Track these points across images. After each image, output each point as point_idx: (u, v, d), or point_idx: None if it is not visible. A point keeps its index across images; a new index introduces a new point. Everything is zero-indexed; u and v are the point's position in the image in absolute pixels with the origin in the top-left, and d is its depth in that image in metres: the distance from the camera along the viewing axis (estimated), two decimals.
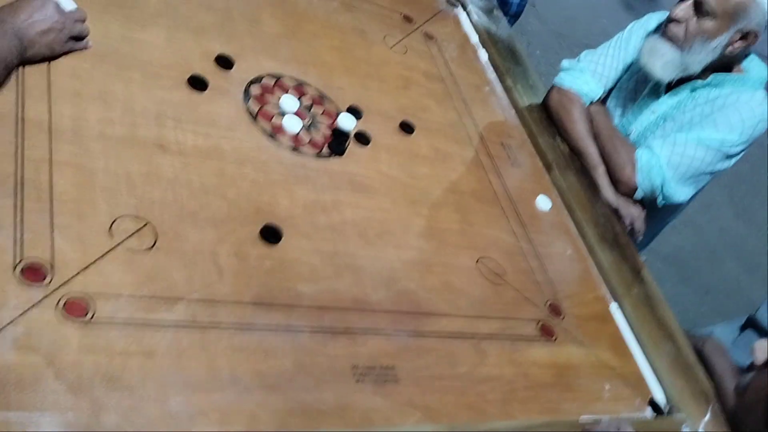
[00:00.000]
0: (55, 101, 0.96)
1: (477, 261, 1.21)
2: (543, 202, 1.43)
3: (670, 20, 1.45)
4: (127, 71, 1.08)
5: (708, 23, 1.40)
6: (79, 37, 1.04)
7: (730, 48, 1.43)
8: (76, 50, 1.03)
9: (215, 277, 0.92)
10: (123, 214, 0.90)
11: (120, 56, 1.09)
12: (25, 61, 0.96)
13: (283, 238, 1.02)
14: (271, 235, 1.01)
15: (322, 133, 1.23)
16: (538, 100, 1.71)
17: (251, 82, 1.22)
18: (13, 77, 0.94)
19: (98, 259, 0.84)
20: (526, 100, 1.67)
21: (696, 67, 1.46)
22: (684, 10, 1.42)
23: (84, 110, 0.98)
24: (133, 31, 1.14)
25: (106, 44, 1.09)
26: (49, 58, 0.99)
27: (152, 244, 0.90)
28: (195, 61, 1.18)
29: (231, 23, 1.31)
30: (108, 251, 0.86)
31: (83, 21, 1.05)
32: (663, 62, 1.46)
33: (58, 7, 1.00)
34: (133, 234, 0.89)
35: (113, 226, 0.89)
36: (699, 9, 1.41)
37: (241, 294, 0.92)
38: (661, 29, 1.48)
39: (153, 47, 1.14)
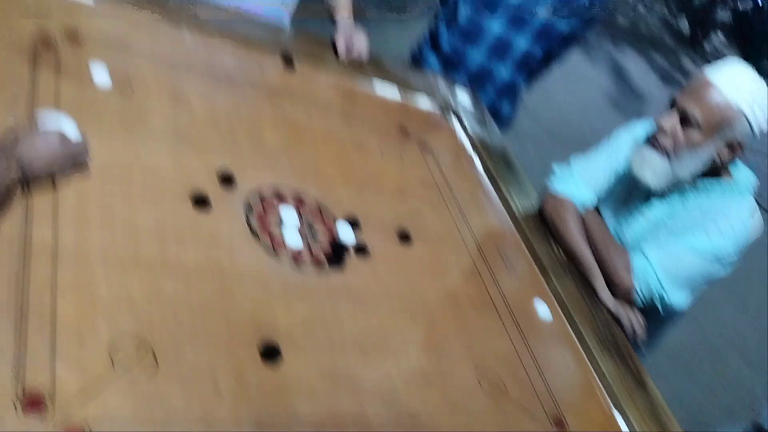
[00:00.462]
0: (61, 224, 0.99)
1: (476, 372, 1.21)
2: (542, 310, 1.44)
3: (657, 130, 1.50)
4: (130, 192, 1.11)
5: (694, 134, 1.45)
6: (80, 163, 1.07)
7: (717, 158, 1.48)
8: (76, 175, 1.06)
9: (214, 400, 0.91)
10: (124, 338, 0.91)
11: (124, 178, 1.12)
12: (27, 188, 0.98)
13: (282, 356, 1.02)
14: (270, 353, 1.02)
15: (321, 246, 1.25)
16: (533, 206, 1.74)
17: (252, 198, 1.25)
18: (19, 201, 0.97)
19: (98, 387, 0.84)
20: (520, 206, 1.71)
21: (686, 176, 1.50)
22: (670, 121, 1.47)
23: (88, 232, 1.00)
24: (138, 151, 1.18)
25: (111, 165, 1.12)
26: (51, 183, 1.02)
27: (152, 368, 0.90)
28: (198, 178, 1.21)
29: (233, 139, 1.35)
30: (108, 378, 0.85)
31: (85, 150, 1.08)
32: (653, 171, 1.50)
33: (62, 137, 1.03)
34: (133, 358, 0.89)
35: (114, 351, 0.89)
36: (685, 120, 1.46)
37: (240, 418, 0.91)
38: (650, 138, 1.53)
39: (157, 166, 1.18)
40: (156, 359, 0.91)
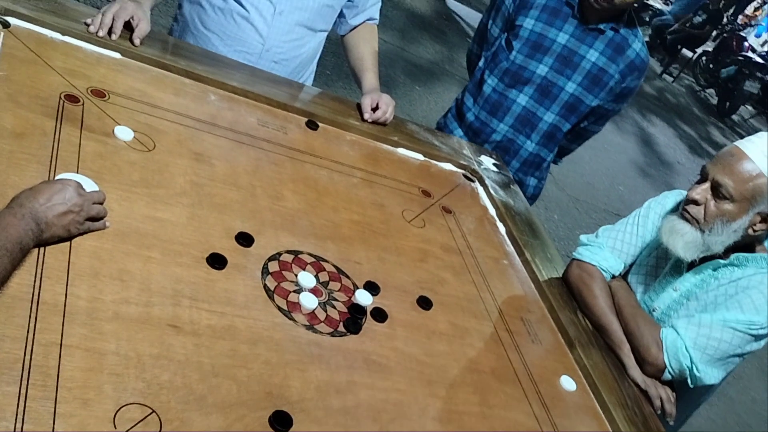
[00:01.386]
0: (73, 282, 0.97)
1: None
2: (567, 382, 1.38)
3: (688, 201, 1.46)
4: (146, 250, 1.09)
5: (727, 206, 1.41)
6: (96, 218, 1.06)
7: (751, 230, 1.43)
8: (92, 231, 1.05)
9: None
10: (129, 401, 0.88)
11: (141, 235, 1.11)
12: (42, 242, 0.97)
13: (293, 425, 0.98)
14: (280, 421, 0.97)
15: (338, 310, 1.22)
16: (558, 273, 1.70)
17: (270, 259, 1.23)
18: (33, 259, 0.96)
19: None
20: (545, 273, 1.66)
21: (718, 248, 1.46)
22: (701, 192, 1.44)
23: (100, 291, 0.98)
24: (157, 210, 1.17)
25: (129, 224, 1.11)
26: (66, 238, 1.01)
27: None
28: (216, 239, 1.20)
29: (253, 200, 1.34)
30: None
31: (101, 203, 1.08)
32: (684, 242, 1.46)
33: (78, 189, 1.03)
34: (137, 423, 0.86)
35: (118, 414, 0.85)
36: (716, 192, 1.42)
37: None
38: (680, 209, 1.49)
39: (175, 226, 1.17)
40: (161, 424, 0.87)
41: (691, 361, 1.45)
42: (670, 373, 1.48)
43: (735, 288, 1.47)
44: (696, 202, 1.44)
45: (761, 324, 1.43)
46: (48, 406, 0.81)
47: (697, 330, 1.46)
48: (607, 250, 1.64)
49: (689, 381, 1.48)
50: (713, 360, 1.46)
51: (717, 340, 1.44)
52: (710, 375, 1.46)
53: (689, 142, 8.33)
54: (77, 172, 1.13)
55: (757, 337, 1.46)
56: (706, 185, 1.43)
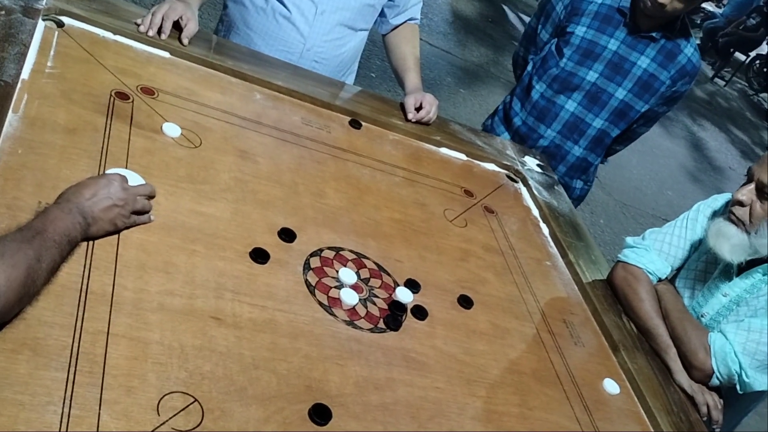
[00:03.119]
0: (120, 273, 0.99)
1: None
2: (610, 386, 1.36)
3: (733, 203, 1.43)
4: (191, 244, 1.11)
5: None
6: (142, 212, 1.08)
7: None
8: (138, 224, 1.08)
9: None
10: (172, 389, 0.89)
11: (186, 229, 1.13)
12: (89, 236, 1.00)
13: (332, 419, 0.98)
14: (319, 414, 0.98)
15: (378, 306, 1.22)
16: (602, 276, 1.67)
17: (311, 255, 1.24)
18: (82, 251, 0.98)
19: None
20: (588, 275, 1.64)
21: (765, 251, 1.41)
22: (747, 194, 1.40)
23: (146, 282, 1.00)
24: (202, 205, 1.19)
25: (174, 218, 1.14)
26: (113, 232, 1.04)
27: (198, 423, 0.87)
28: (259, 234, 1.21)
29: (296, 197, 1.35)
30: (152, 431, 0.83)
31: (149, 196, 1.10)
32: (731, 245, 1.42)
33: (123, 183, 1.05)
34: (179, 412, 0.87)
35: (161, 402, 0.87)
36: (761, 193, 1.38)
37: None
38: (726, 211, 1.45)
39: (219, 220, 1.19)
40: (203, 413, 0.89)
41: (740, 367, 1.41)
42: (718, 378, 1.44)
43: None
44: (741, 204, 1.40)
45: None
46: (94, 392, 0.84)
47: (746, 335, 1.42)
48: (654, 253, 1.60)
49: (738, 387, 1.44)
50: (763, 366, 1.41)
51: (767, 346, 1.40)
52: (760, 381, 1.42)
53: (741, 147, 8.11)
54: (126, 168, 1.16)
55: None
56: (751, 186, 1.40)
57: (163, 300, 1.00)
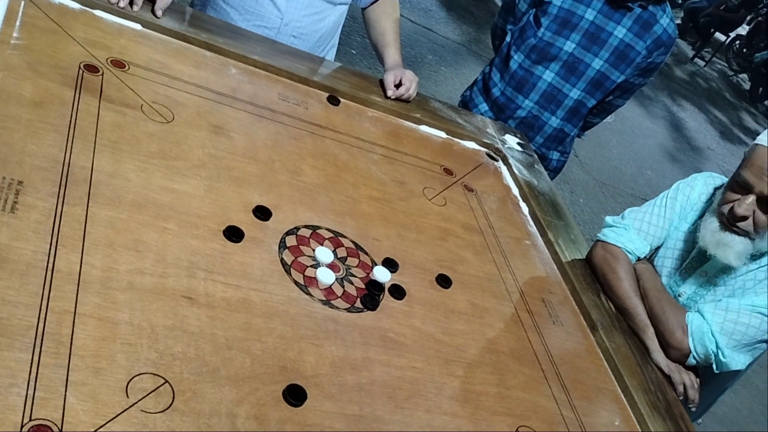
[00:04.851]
0: (88, 251, 0.96)
1: (516, 430, 1.12)
2: None
3: (736, 218, 1.39)
4: (163, 221, 1.08)
5: None
6: None
7: None
8: None
9: None
10: (142, 370, 0.87)
11: (158, 206, 1.10)
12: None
13: (307, 399, 0.97)
14: (294, 395, 0.96)
15: (355, 286, 1.21)
16: (581, 255, 1.66)
17: (287, 233, 1.22)
18: (47, 228, 0.95)
19: (109, 421, 0.80)
20: (568, 255, 1.63)
21: (767, 249, 1.42)
22: (748, 207, 1.37)
23: (115, 260, 0.98)
24: (174, 182, 1.16)
25: (145, 195, 1.10)
26: None
27: (168, 404, 0.85)
28: (233, 212, 1.19)
29: (272, 174, 1.33)
30: (120, 412, 0.81)
31: None
32: (736, 253, 1.40)
33: None
34: (149, 393, 0.85)
35: (130, 383, 0.85)
36: (765, 204, 1.36)
37: None
38: (723, 220, 1.42)
39: (192, 198, 1.16)
40: (173, 394, 0.87)
41: (717, 346, 1.41)
42: (694, 358, 1.44)
43: (765, 272, 1.43)
44: (744, 218, 1.38)
45: None
46: (60, 374, 0.81)
47: (724, 315, 1.42)
48: (633, 232, 1.60)
49: (714, 366, 1.44)
50: (740, 345, 1.42)
51: (744, 326, 1.40)
52: (736, 360, 1.43)
53: (720, 128, 8.16)
54: (96, 143, 1.13)
55: None
56: (752, 198, 1.36)
57: (133, 279, 0.97)
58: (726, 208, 1.41)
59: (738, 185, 1.40)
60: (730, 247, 1.41)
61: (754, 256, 1.46)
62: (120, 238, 1.01)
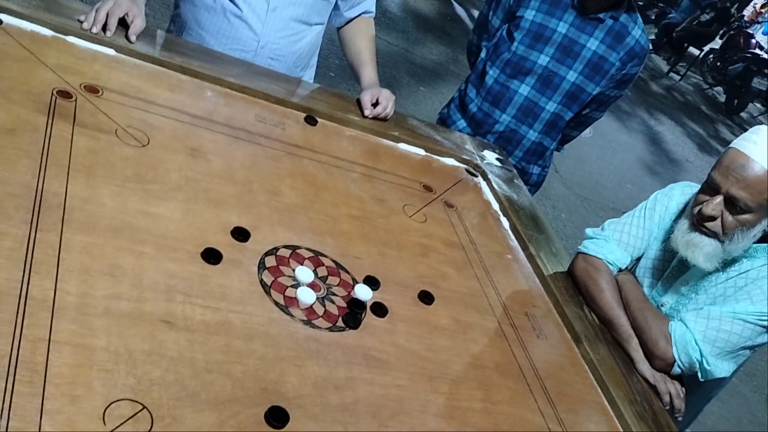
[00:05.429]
0: (62, 277, 0.95)
1: None
2: None
3: (703, 218, 1.41)
4: (139, 245, 1.07)
5: (745, 217, 1.37)
6: None
7: None
8: None
9: None
10: (119, 397, 0.85)
11: (134, 230, 1.09)
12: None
13: (290, 421, 0.95)
14: (276, 417, 0.94)
15: (337, 305, 1.20)
16: (563, 268, 1.66)
17: (266, 254, 1.21)
18: (20, 255, 0.94)
19: None
20: (550, 268, 1.63)
21: (738, 253, 1.43)
22: (716, 207, 1.38)
23: (91, 286, 0.96)
24: (151, 206, 1.15)
25: (121, 219, 1.09)
26: None
27: (147, 431, 0.84)
28: (211, 234, 1.18)
29: (250, 195, 1.32)
30: None
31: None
32: (705, 254, 1.41)
33: None
34: (127, 420, 0.83)
35: (107, 410, 0.83)
36: (732, 206, 1.37)
37: None
38: (693, 221, 1.44)
39: (169, 221, 1.15)
40: (152, 420, 0.85)
41: (701, 355, 1.41)
42: (679, 367, 1.44)
43: (744, 279, 1.44)
44: (712, 218, 1.39)
45: None
46: (35, 403, 0.79)
47: (706, 323, 1.42)
48: (614, 243, 1.60)
49: (699, 375, 1.44)
50: (723, 353, 1.42)
51: (727, 333, 1.40)
52: (720, 368, 1.43)
53: (698, 140, 8.27)
54: (69, 168, 1.11)
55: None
56: (719, 199, 1.38)
57: (109, 304, 0.95)
58: (696, 209, 1.42)
59: (708, 186, 1.42)
60: (699, 248, 1.42)
61: (729, 262, 1.47)
62: (95, 263, 1.00)
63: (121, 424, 0.83)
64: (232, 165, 1.36)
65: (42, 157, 1.11)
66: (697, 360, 1.42)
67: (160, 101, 1.41)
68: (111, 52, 1.47)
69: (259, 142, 1.48)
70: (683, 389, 1.47)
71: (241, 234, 1.21)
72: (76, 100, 1.27)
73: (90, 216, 1.06)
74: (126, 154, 1.23)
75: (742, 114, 10.53)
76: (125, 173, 1.18)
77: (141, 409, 0.85)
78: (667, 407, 1.44)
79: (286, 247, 1.25)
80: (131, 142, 1.26)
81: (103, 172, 1.15)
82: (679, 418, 1.47)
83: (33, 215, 1.01)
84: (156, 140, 1.30)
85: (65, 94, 1.27)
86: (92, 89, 1.32)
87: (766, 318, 1.40)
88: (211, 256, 1.13)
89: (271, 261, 1.20)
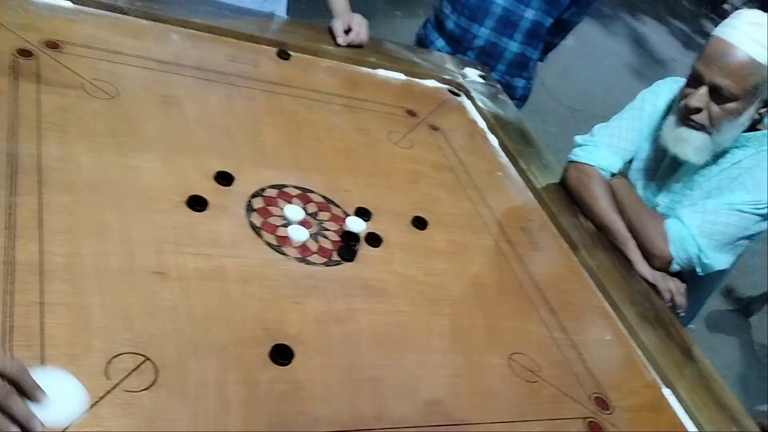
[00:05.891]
0: (47, 239, 0.93)
1: (508, 359, 1.12)
2: None
3: (689, 111, 1.38)
4: (122, 200, 1.05)
5: (731, 105, 1.34)
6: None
7: (757, 116, 1.37)
8: None
9: (222, 410, 0.84)
10: (120, 351, 0.85)
11: (115, 185, 1.06)
12: None
13: (294, 357, 0.95)
14: (281, 354, 0.94)
15: (330, 239, 1.18)
16: (555, 179, 1.65)
17: (253, 196, 1.19)
18: (1, 219, 0.91)
19: (93, 405, 0.78)
20: (542, 180, 1.62)
21: (728, 143, 1.41)
22: (701, 98, 1.36)
23: (77, 246, 0.94)
24: (128, 159, 1.12)
25: (100, 175, 1.07)
26: None
27: (152, 381, 0.83)
28: (194, 182, 1.15)
29: (230, 138, 1.29)
30: (104, 395, 0.79)
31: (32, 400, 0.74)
32: (694, 148, 1.39)
33: (14, 368, 0.73)
34: (131, 373, 0.83)
35: (110, 365, 0.83)
36: (717, 95, 1.34)
37: (252, 426, 0.84)
38: (680, 116, 1.42)
39: (149, 172, 1.12)
40: (156, 373, 0.85)
41: (699, 249, 1.42)
42: (678, 263, 1.45)
43: (737, 170, 1.43)
44: (698, 110, 1.36)
45: (767, 202, 1.39)
46: (35, 365, 0.79)
47: (702, 217, 1.42)
48: (604, 148, 1.58)
49: (698, 269, 1.45)
50: (721, 245, 1.42)
51: (723, 225, 1.40)
52: (719, 260, 1.43)
53: (682, 38, 8.13)
54: (40, 128, 1.08)
55: (765, 217, 1.42)
56: (704, 90, 1.35)
57: (99, 262, 0.94)
58: (682, 103, 1.40)
59: (692, 79, 1.39)
60: (687, 143, 1.40)
61: (720, 154, 1.45)
62: (79, 222, 0.98)
63: (126, 376, 0.82)
64: (208, 109, 1.33)
65: (11, 120, 1.07)
66: (695, 255, 1.42)
67: (125, 50, 1.36)
68: (68, 4, 1.41)
69: (233, 82, 1.44)
70: (684, 285, 1.48)
71: (224, 178, 1.18)
72: (38, 58, 1.23)
73: (67, 175, 1.04)
74: (96, 108, 1.19)
75: (725, 5, 10.33)
76: (98, 128, 1.15)
77: (144, 361, 0.85)
78: (669, 305, 1.45)
79: (272, 187, 1.23)
80: (100, 96, 1.22)
81: (75, 129, 1.12)
82: (682, 314, 1.48)
83: (9, 180, 0.98)
84: (126, 91, 1.26)
85: (25, 53, 1.22)
86: (53, 45, 1.28)
87: (762, 205, 1.39)
88: (197, 203, 1.11)
89: (258, 202, 1.18)
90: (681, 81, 1.56)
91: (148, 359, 0.85)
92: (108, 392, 0.80)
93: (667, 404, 1.21)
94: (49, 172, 1.02)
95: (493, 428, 1.00)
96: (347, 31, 1.73)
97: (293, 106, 1.46)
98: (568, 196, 1.61)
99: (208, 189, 1.15)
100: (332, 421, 0.90)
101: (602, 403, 1.12)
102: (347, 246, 1.18)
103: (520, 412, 1.05)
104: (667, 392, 1.22)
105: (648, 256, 1.47)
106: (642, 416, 1.15)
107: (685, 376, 1.26)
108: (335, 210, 1.25)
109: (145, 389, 0.82)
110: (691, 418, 1.19)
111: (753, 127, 1.44)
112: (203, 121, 1.29)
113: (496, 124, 1.76)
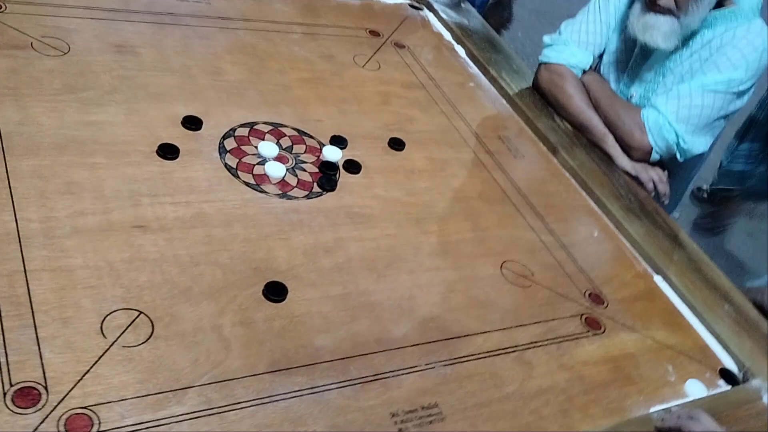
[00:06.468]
0: (19, 206, 0.91)
1: (500, 267, 1.13)
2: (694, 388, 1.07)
3: None
4: (90, 157, 1.02)
5: None
6: None
7: None
8: None
9: (223, 353, 0.85)
10: (112, 309, 0.84)
11: (80, 143, 1.03)
12: None
13: (288, 293, 0.95)
14: (275, 291, 0.94)
15: (308, 171, 1.17)
16: (527, 83, 1.63)
17: (224, 137, 1.16)
18: None
19: (93, 365, 0.78)
20: (514, 86, 1.59)
21: (697, 25, 1.38)
22: None
23: (51, 209, 0.92)
24: (90, 114, 1.09)
25: (63, 134, 1.03)
26: None
27: (149, 334, 0.83)
28: (161, 129, 1.12)
29: (191, 81, 1.25)
30: (102, 354, 0.79)
31: None
32: (663, 34, 1.37)
33: None
34: (126, 328, 0.83)
35: (104, 324, 0.82)
36: None
37: (254, 365, 0.85)
38: (646, 2, 1.38)
39: (113, 125, 1.09)
40: (152, 323, 0.84)
41: (677, 135, 1.41)
42: (657, 152, 1.45)
43: (708, 50, 1.41)
44: None
45: (740, 79, 1.38)
46: (28, 334, 0.78)
47: (677, 102, 1.41)
48: (573, 45, 1.56)
49: (678, 155, 1.45)
50: (698, 128, 1.42)
51: (699, 107, 1.39)
52: (698, 144, 1.43)
53: None
54: None
55: (739, 94, 1.41)
56: None
57: (76, 222, 0.92)
58: None
59: None
60: (656, 29, 1.38)
61: (689, 37, 1.43)
62: (49, 184, 0.96)
63: (122, 333, 0.82)
64: (164, 53, 1.28)
65: None
66: (674, 141, 1.42)
67: (71, 2, 1.30)
68: None
69: (187, 23, 1.39)
70: (665, 173, 1.48)
71: (192, 122, 1.15)
72: None
73: (30, 138, 1.00)
74: (49, 66, 1.14)
75: None
76: (54, 86, 1.11)
77: (138, 315, 0.84)
78: (653, 194, 1.45)
79: (242, 126, 1.20)
80: (51, 53, 1.17)
81: (30, 91, 1.08)
82: (666, 202, 1.49)
83: None
84: (76, 45, 1.21)
85: None
86: None
87: (735, 83, 1.39)
88: (168, 151, 1.08)
89: (231, 143, 1.15)
90: None
91: (141, 313, 0.85)
92: (106, 351, 0.80)
93: (660, 291, 1.23)
94: (11, 138, 0.99)
95: (492, 336, 1.01)
96: None
97: (253, 41, 1.42)
98: (541, 98, 1.59)
99: (178, 135, 1.12)
100: (334, 350, 0.90)
101: (597, 299, 1.14)
102: (326, 176, 1.17)
103: (517, 317, 1.06)
104: (658, 279, 1.24)
105: (627, 148, 1.46)
106: (636, 306, 1.17)
107: (674, 262, 1.27)
108: (310, 141, 1.23)
109: (143, 343, 0.82)
110: (684, 301, 1.21)
111: (720, 4, 1.42)
112: (162, 66, 1.25)
113: (462, 34, 1.72)
